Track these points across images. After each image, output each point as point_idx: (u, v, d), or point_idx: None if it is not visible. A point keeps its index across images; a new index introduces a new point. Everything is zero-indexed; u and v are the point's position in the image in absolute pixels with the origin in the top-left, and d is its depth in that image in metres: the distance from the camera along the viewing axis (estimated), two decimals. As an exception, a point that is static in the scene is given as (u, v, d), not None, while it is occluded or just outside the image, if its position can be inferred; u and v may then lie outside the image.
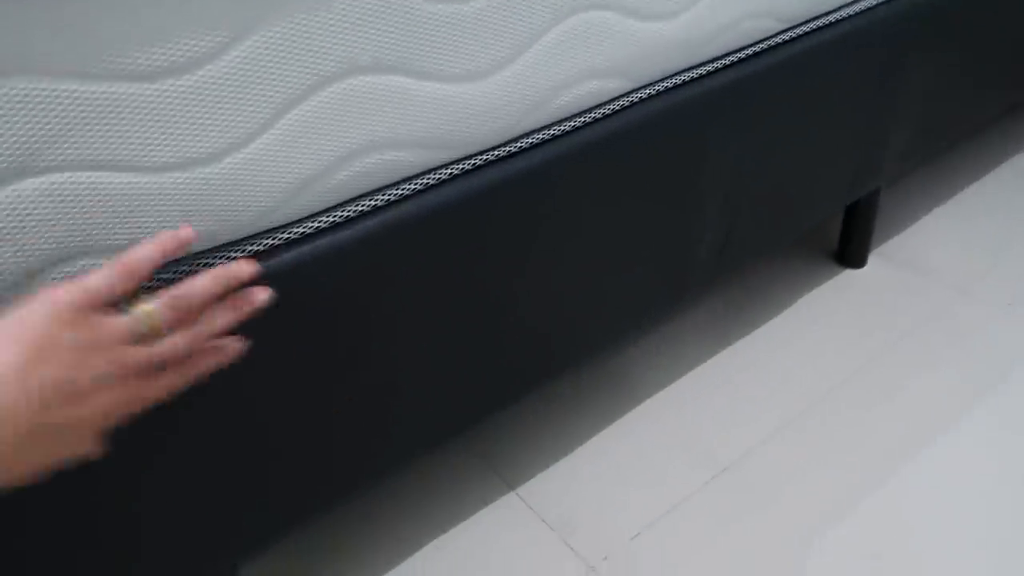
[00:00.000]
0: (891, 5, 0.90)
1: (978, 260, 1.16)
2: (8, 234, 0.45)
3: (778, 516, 0.83)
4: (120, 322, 0.39)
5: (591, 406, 0.99)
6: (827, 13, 0.86)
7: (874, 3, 0.89)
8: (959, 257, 1.17)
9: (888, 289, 1.14)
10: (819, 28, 0.85)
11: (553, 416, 0.98)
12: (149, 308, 0.40)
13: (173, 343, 0.41)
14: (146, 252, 0.40)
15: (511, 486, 0.90)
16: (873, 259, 1.19)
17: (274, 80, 0.51)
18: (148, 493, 0.56)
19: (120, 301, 0.40)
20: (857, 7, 0.88)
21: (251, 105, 0.51)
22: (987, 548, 0.78)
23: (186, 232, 0.42)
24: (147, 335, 0.40)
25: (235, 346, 0.45)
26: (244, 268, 0.43)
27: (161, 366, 0.41)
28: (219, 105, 0.50)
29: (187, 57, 0.48)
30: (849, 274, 1.17)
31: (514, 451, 0.94)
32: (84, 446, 0.38)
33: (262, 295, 0.44)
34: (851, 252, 1.17)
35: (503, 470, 0.92)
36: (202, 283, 0.41)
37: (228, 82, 0.50)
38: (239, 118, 0.51)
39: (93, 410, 0.37)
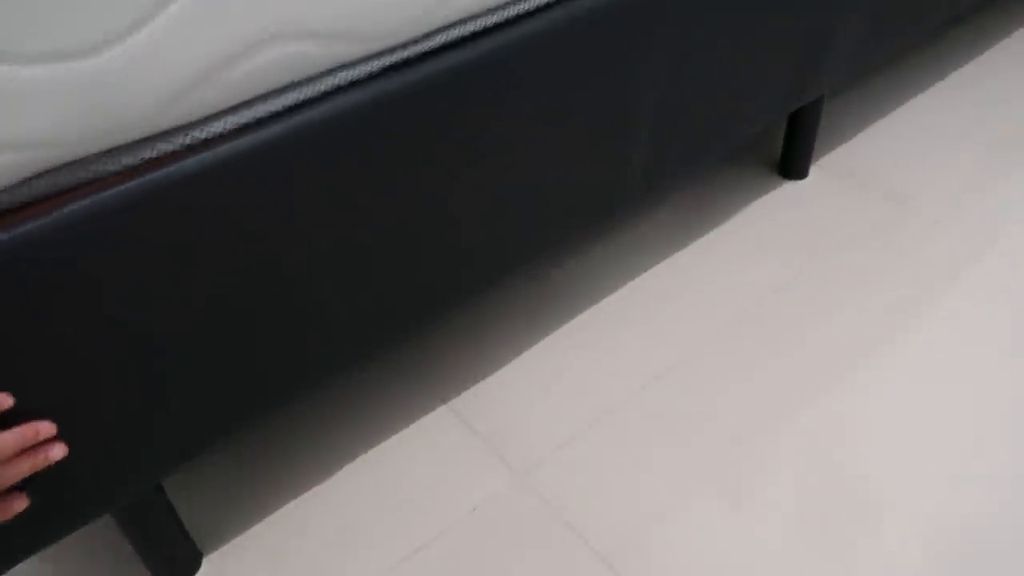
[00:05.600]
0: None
1: (918, 172, 1.16)
2: None
3: (711, 425, 0.84)
4: None
5: (523, 319, 0.98)
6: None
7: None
8: (900, 169, 1.17)
9: (828, 201, 1.13)
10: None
11: (483, 330, 0.97)
12: None
13: None
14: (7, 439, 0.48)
15: (443, 399, 0.90)
16: (815, 171, 1.18)
17: (155, -36, 0.47)
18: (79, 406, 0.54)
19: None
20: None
21: (130, -8, 0.47)
22: (935, 453, 0.80)
23: (57, 450, 0.51)
24: None
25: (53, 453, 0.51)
26: (45, 428, 0.51)
27: None
28: (93, -9, 0.45)
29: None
30: (791, 185, 1.16)
31: (444, 364, 0.94)
32: None
33: (59, 452, 0.51)
34: (793, 164, 1.16)
35: (434, 383, 0.91)
36: (7, 439, 0.48)
37: (101, -35, 0.45)
38: (116, 5, 0.47)
39: None
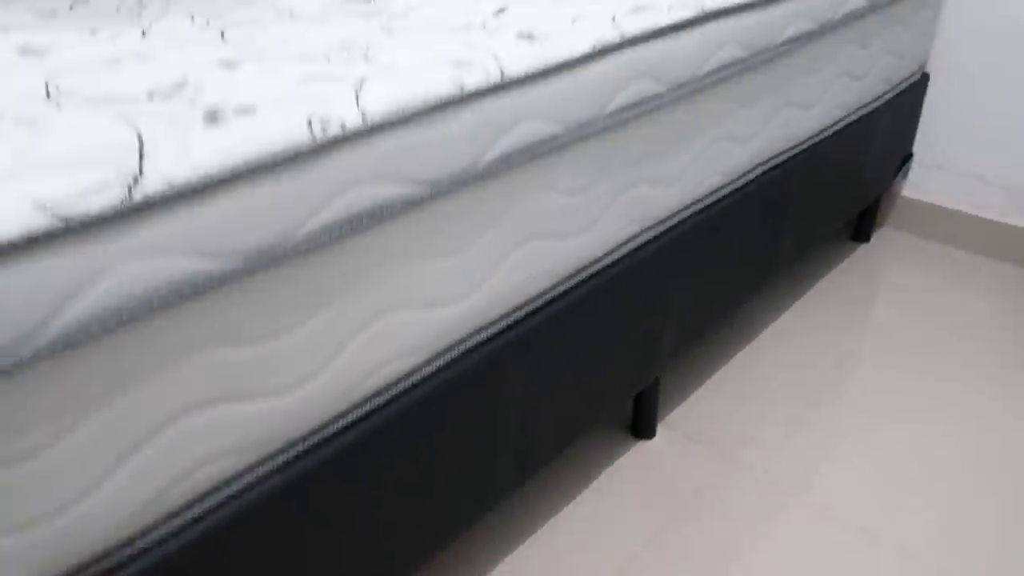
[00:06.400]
0: (650, 246, 1.12)
1: (740, 427, 1.40)
2: None
3: None
4: None
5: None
6: (596, 261, 1.06)
7: (632, 248, 1.11)
8: (730, 424, 1.40)
9: (672, 457, 1.34)
10: (592, 276, 1.05)
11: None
12: None
13: None
14: None
15: None
16: (661, 429, 1.40)
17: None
18: None
19: None
20: (615, 255, 1.09)
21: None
22: None
23: None
24: None
25: None
26: None
27: None
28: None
29: None
30: (641, 445, 1.37)
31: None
32: None
33: None
34: (642, 426, 1.38)
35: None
36: None
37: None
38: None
39: None
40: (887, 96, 1.67)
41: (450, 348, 0.89)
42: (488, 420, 0.96)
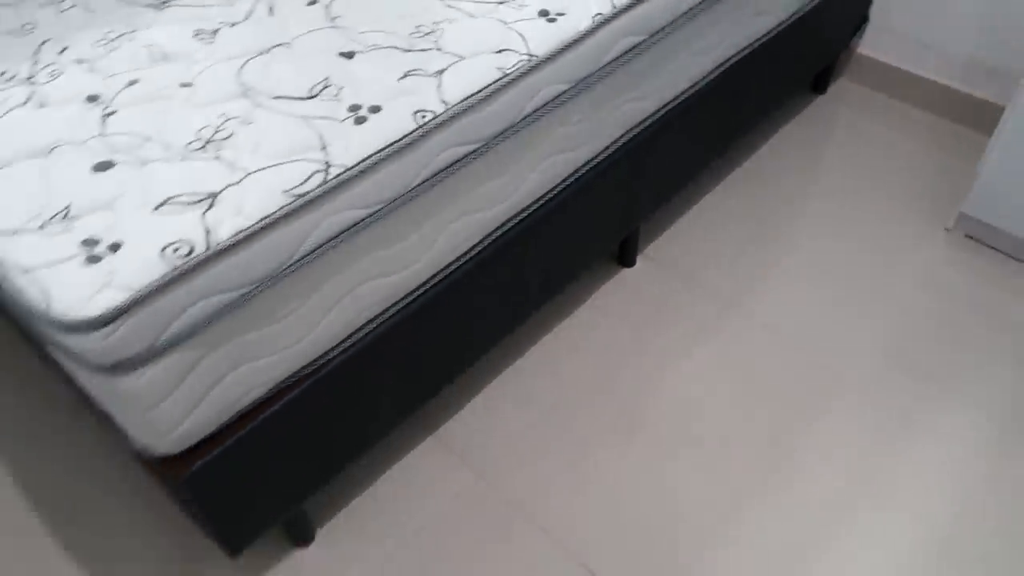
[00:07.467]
0: (632, 142, 1.57)
1: (700, 257, 1.91)
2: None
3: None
4: None
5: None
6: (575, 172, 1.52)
7: (608, 148, 1.56)
8: (694, 254, 1.92)
9: (647, 280, 1.87)
10: (591, 168, 1.52)
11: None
12: None
13: None
14: None
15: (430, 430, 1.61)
16: (640, 260, 1.92)
17: (323, 298, 1.15)
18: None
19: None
20: (606, 153, 1.54)
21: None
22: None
23: None
24: None
25: None
26: None
27: None
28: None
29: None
30: (624, 272, 1.90)
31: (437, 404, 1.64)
32: None
33: None
34: (626, 257, 1.90)
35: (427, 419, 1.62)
36: None
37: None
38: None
39: None
40: (842, -19, 2.00)
41: (499, 228, 1.39)
42: (521, 263, 1.48)
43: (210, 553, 1.46)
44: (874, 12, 2.25)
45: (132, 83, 1.19)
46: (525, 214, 1.43)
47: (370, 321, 1.25)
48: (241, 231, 0.98)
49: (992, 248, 1.92)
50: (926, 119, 2.28)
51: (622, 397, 1.65)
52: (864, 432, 1.57)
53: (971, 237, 1.95)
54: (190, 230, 0.97)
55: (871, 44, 2.31)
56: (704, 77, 1.69)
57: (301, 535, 1.45)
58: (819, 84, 2.34)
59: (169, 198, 1.00)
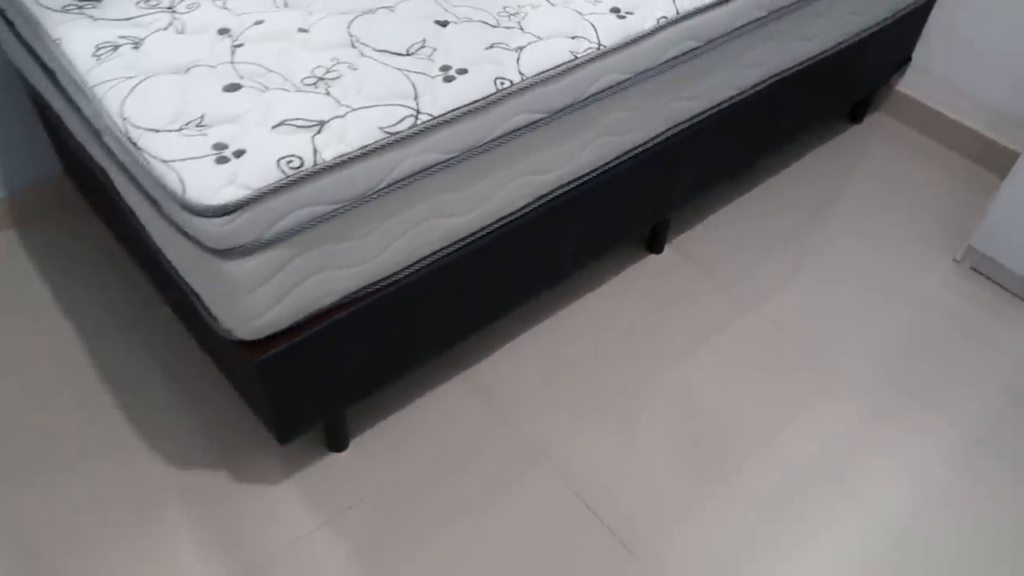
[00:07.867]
0: (676, 136, 1.75)
1: (723, 254, 2.08)
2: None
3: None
4: None
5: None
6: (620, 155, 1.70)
7: (655, 139, 1.74)
8: (714, 251, 2.09)
9: (670, 268, 2.05)
10: (635, 155, 1.69)
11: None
12: None
13: None
14: None
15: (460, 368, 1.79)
16: (668, 249, 2.09)
17: (396, 226, 1.34)
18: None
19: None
20: (652, 143, 1.72)
21: (387, 236, 1.34)
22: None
23: None
24: None
25: None
26: None
27: None
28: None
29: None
30: (652, 257, 2.07)
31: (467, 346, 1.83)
32: None
33: None
34: (655, 244, 2.07)
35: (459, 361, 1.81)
36: None
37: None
38: (384, 243, 1.34)
39: None
40: (888, 21, 2.16)
41: (549, 193, 1.57)
42: (563, 229, 1.66)
43: (252, 444, 1.66)
44: (917, 54, 2.41)
45: (258, 23, 1.38)
46: (573, 184, 1.61)
47: (431, 254, 1.44)
48: (342, 155, 1.17)
49: (995, 283, 2.08)
50: (949, 156, 2.44)
51: (624, 374, 1.83)
52: (843, 431, 1.74)
53: (976, 270, 2.10)
54: (301, 148, 1.16)
55: (910, 83, 2.47)
56: (750, 88, 1.87)
57: (338, 441, 1.64)
58: (856, 114, 2.50)
59: (285, 120, 1.19)
